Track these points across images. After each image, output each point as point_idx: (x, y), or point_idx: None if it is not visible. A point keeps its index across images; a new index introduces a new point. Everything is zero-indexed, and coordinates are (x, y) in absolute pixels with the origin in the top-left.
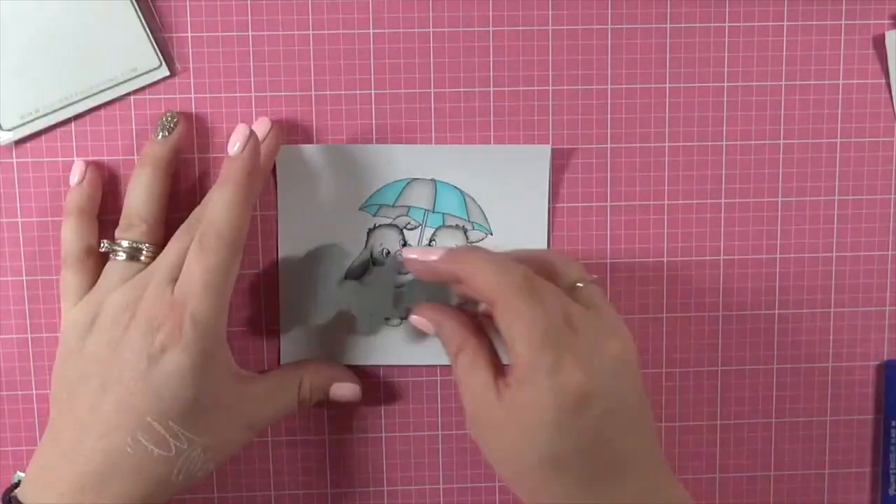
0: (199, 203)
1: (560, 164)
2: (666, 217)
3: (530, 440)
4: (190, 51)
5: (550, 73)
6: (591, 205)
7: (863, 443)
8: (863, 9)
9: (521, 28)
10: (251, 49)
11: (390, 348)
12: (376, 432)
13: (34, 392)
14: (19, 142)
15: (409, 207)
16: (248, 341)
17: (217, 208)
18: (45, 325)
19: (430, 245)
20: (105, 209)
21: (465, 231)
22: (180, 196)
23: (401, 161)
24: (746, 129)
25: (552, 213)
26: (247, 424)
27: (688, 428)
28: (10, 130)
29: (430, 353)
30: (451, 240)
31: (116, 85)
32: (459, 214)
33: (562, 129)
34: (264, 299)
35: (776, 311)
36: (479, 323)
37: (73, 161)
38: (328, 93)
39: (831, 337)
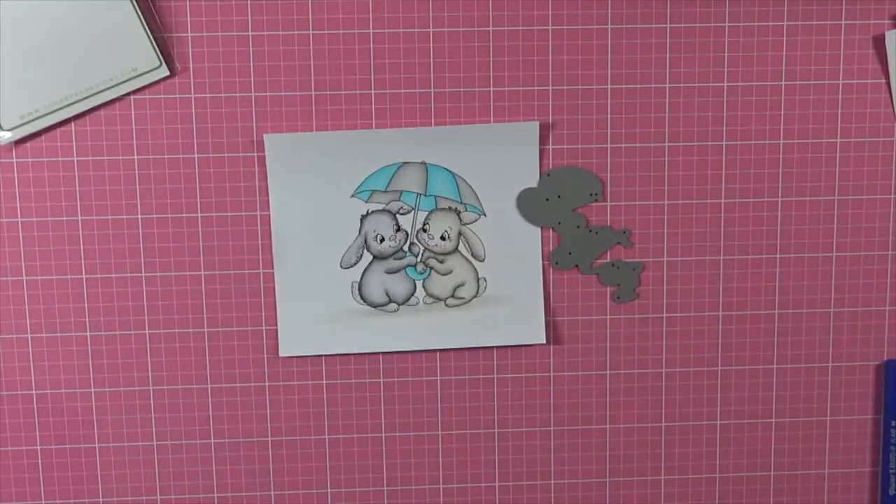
0: (196, 204)
1: (559, 163)
2: (666, 217)
3: None
4: (190, 51)
5: (550, 73)
6: (590, 206)
7: (863, 443)
8: (863, 9)
9: (521, 28)
10: (251, 49)
11: (389, 335)
12: (376, 432)
13: (34, 392)
14: (19, 142)
15: (401, 192)
16: (248, 339)
17: None
18: (45, 325)
19: (424, 229)
20: (104, 210)
21: (459, 213)
22: (180, 195)
23: (391, 145)
24: (746, 129)
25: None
26: None
27: (688, 428)
28: (10, 130)
29: (429, 339)
30: (445, 222)
31: (116, 85)
32: (452, 196)
33: (562, 128)
34: (263, 296)
35: (776, 311)
36: None
37: (73, 161)
38: (328, 93)
39: (831, 337)
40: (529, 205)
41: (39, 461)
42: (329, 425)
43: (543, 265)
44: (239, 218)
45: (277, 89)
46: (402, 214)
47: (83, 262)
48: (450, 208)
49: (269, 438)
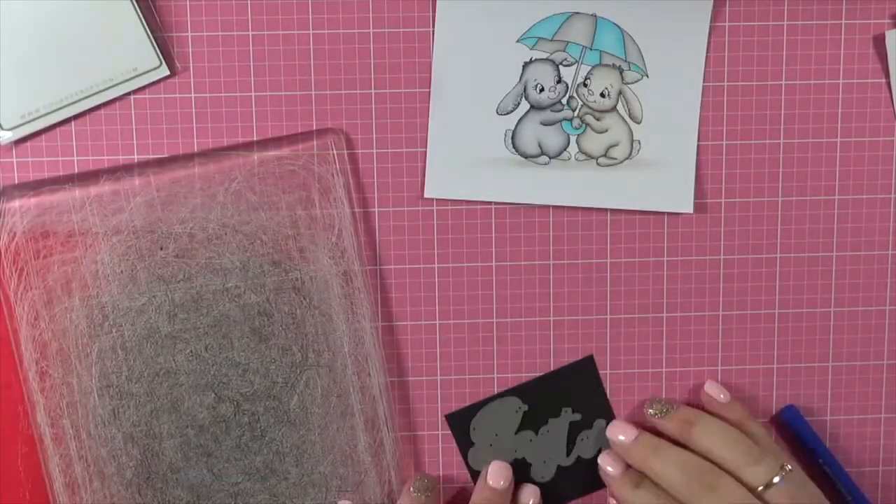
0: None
1: None
2: (666, 217)
3: None
4: (190, 50)
5: None
6: (590, 208)
7: (864, 442)
8: (863, 8)
9: None
10: (251, 49)
11: (537, 188)
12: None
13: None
14: (19, 141)
15: (567, 43)
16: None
17: None
18: None
19: (584, 84)
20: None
21: (622, 71)
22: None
23: None
24: (747, 129)
25: (552, 213)
26: None
27: None
28: (10, 130)
29: (576, 196)
30: (607, 79)
31: (116, 84)
32: (617, 53)
33: None
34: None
35: (776, 311)
36: None
37: (73, 161)
38: (328, 93)
39: (831, 337)
40: None
41: None
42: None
43: (699, 133)
44: None
45: (277, 89)
46: (564, 66)
47: None
48: (613, 65)
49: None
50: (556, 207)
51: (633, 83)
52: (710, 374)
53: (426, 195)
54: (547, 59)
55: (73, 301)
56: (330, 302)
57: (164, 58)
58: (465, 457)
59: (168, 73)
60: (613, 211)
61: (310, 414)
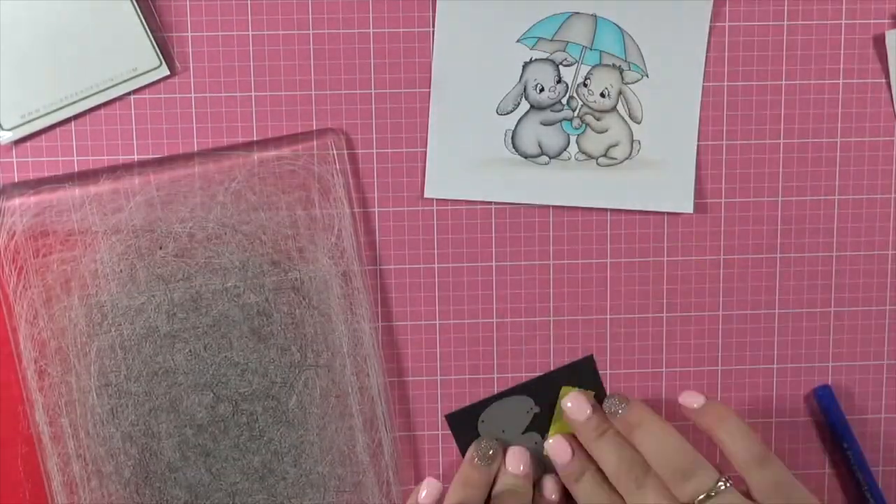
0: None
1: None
2: (666, 217)
3: None
4: (190, 50)
5: None
6: (590, 208)
7: (864, 442)
8: (863, 8)
9: None
10: (251, 49)
11: (537, 188)
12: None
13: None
14: (19, 141)
15: (567, 43)
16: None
17: None
18: None
19: (584, 84)
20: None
21: (622, 71)
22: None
23: None
24: (747, 128)
25: (553, 213)
26: None
27: (688, 427)
28: (10, 130)
29: (576, 196)
30: (607, 79)
31: (116, 84)
32: (617, 53)
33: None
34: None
35: (776, 311)
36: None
37: (73, 161)
38: (328, 93)
39: (831, 337)
40: None
41: None
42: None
43: (699, 133)
44: None
45: (277, 89)
46: (564, 66)
47: None
48: (613, 65)
49: None
50: (556, 207)
51: (633, 83)
52: (710, 374)
53: (426, 195)
54: (547, 59)
55: (72, 300)
56: (329, 302)
57: (164, 58)
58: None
59: (168, 73)
60: (613, 211)
61: (308, 414)
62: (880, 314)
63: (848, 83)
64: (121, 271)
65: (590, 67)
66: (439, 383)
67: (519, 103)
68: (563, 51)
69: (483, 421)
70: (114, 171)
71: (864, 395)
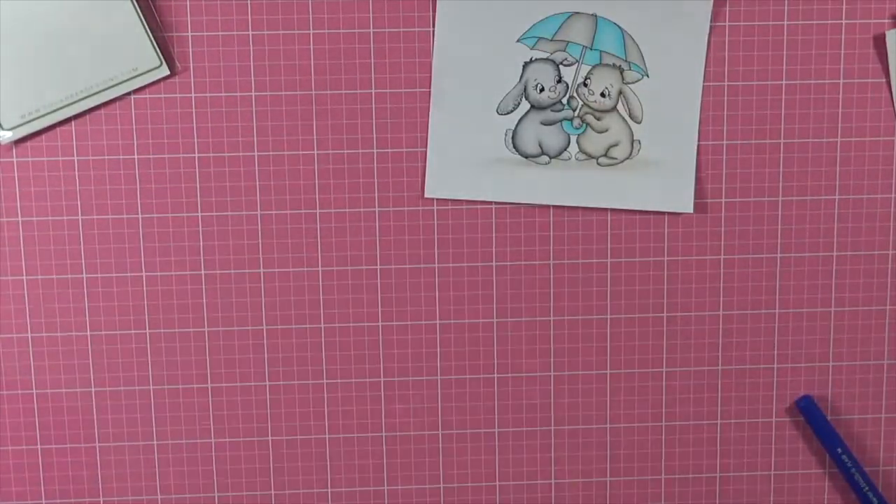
0: (197, 204)
1: None
2: (666, 217)
3: None
4: (190, 50)
5: None
6: (590, 208)
7: (864, 442)
8: (863, 8)
9: None
10: (251, 49)
11: (537, 187)
12: (376, 432)
13: (34, 392)
14: (19, 141)
15: (567, 42)
16: (249, 339)
17: None
18: (45, 325)
19: (585, 84)
20: (105, 209)
21: (622, 71)
22: (180, 195)
23: None
24: (747, 128)
25: (553, 215)
26: None
27: (688, 427)
28: (10, 130)
29: (576, 195)
30: (607, 79)
31: (117, 84)
32: (617, 53)
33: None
34: (264, 296)
35: (776, 311)
36: None
37: (73, 161)
38: (328, 92)
39: (831, 337)
40: None
41: (40, 460)
42: (329, 425)
43: (699, 133)
44: (239, 217)
45: (277, 89)
46: (565, 66)
47: (83, 261)
48: (613, 65)
49: (270, 438)
50: (556, 207)
51: (633, 83)
52: (710, 374)
53: (426, 195)
54: (547, 59)
55: None
56: None
57: (164, 58)
58: None
59: (168, 73)
60: (613, 211)
61: None
62: (880, 314)
63: (848, 83)
64: None
65: (590, 67)
66: (439, 383)
67: (519, 103)
68: (564, 50)
69: None
70: None
71: (864, 395)
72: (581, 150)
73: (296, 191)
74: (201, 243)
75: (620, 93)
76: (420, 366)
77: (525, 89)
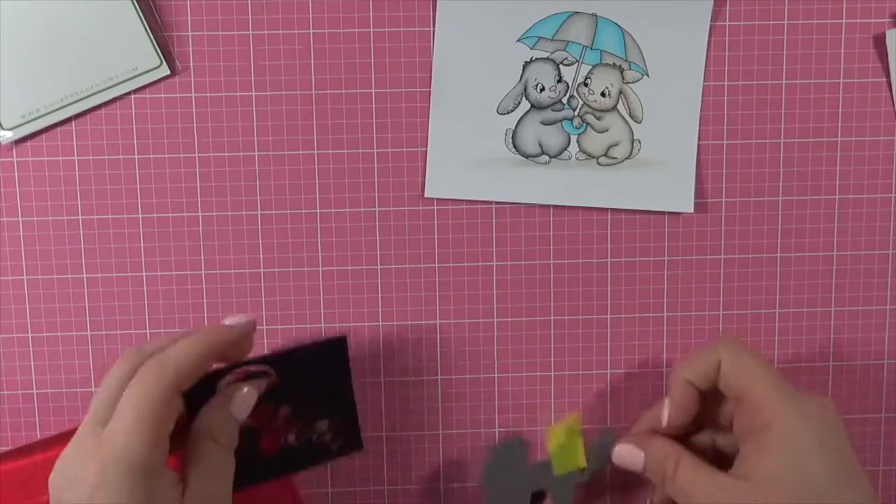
0: (197, 204)
1: None
2: (666, 217)
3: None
4: (190, 50)
5: None
6: (590, 208)
7: (864, 442)
8: (863, 8)
9: None
10: (251, 49)
11: (537, 187)
12: (377, 431)
13: (34, 392)
14: (19, 141)
15: (567, 42)
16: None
17: (177, 347)
18: (46, 325)
19: (585, 83)
20: (105, 209)
21: (622, 70)
22: (180, 195)
23: None
24: (747, 128)
25: (554, 214)
26: None
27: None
28: (10, 130)
29: (576, 195)
30: (608, 78)
31: (117, 84)
32: (618, 53)
33: None
34: (264, 296)
35: (777, 311)
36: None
37: (74, 160)
38: (328, 92)
39: (832, 336)
40: None
41: None
42: None
43: (699, 133)
44: (239, 217)
45: (277, 89)
46: (565, 66)
47: (84, 261)
48: (614, 65)
49: None
50: (556, 207)
51: (633, 83)
52: None
53: (426, 195)
54: (547, 59)
55: None
56: None
57: (164, 57)
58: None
59: (168, 72)
60: (613, 211)
61: None
62: (880, 314)
63: (848, 83)
64: None
65: (590, 67)
66: (440, 383)
67: (519, 103)
68: (564, 50)
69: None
70: None
71: (864, 395)
72: (581, 150)
73: (296, 191)
74: (201, 243)
75: (621, 92)
76: (420, 365)
77: (525, 89)
